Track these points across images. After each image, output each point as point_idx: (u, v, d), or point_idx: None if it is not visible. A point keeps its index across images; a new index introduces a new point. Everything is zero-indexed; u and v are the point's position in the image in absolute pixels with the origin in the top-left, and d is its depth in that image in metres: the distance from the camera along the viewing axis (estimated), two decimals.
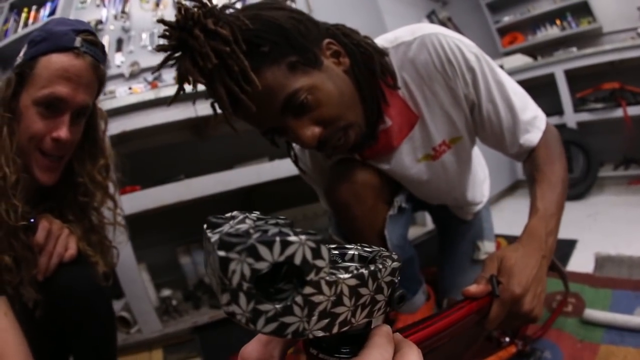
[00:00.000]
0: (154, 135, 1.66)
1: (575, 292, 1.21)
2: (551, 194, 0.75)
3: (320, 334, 0.27)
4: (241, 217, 0.30)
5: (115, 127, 1.42)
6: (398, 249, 1.00)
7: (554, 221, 0.73)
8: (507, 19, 2.69)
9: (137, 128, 1.45)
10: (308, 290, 0.25)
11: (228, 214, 0.30)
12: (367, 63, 0.74)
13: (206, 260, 0.28)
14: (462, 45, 0.76)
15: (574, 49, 2.36)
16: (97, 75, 0.76)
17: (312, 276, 0.25)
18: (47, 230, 0.75)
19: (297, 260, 0.24)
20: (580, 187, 2.23)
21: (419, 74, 0.78)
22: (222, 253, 0.23)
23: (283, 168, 1.56)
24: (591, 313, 1.06)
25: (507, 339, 0.88)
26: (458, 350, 0.90)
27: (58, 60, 0.70)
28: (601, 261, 1.37)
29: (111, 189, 0.90)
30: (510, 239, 1.78)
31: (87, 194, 0.83)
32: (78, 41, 0.72)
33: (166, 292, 1.64)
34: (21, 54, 0.73)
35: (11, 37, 1.71)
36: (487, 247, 1.18)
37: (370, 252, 0.33)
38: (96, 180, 0.83)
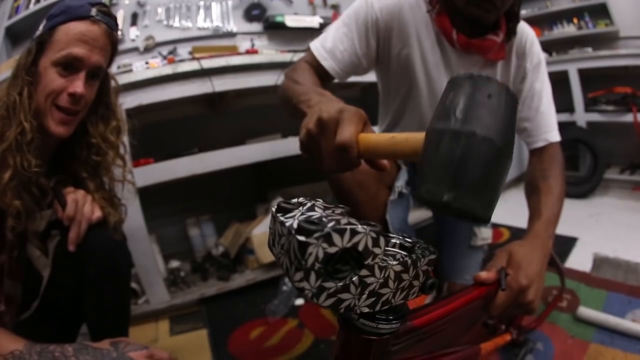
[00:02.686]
0: (168, 108, 1.67)
1: (571, 288, 1.25)
2: (554, 205, 0.86)
3: (366, 310, 0.33)
4: (309, 204, 0.34)
5: (131, 100, 1.43)
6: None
7: (552, 228, 0.84)
8: (525, 12, 2.66)
9: (153, 102, 1.46)
10: (364, 272, 0.30)
11: (295, 200, 0.35)
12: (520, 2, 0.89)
13: (273, 240, 0.32)
14: (538, 42, 0.99)
15: (589, 49, 2.36)
16: (111, 40, 0.82)
17: (369, 261, 0.30)
18: (75, 202, 0.81)
19: (361, 247, 0.29)
20: (585, 186, 2.25)
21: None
22: (301, 238, 0.27)
23: (296, 145, 1.57)
24: (585, 311, 1.10)
25: (503, 327, 0.92)
26: (457, 334, 0.94)
27: (76, 27, 0.76)
28: (599, 262, 1.41)
29: (121, 149, 0.95)
30: (513, 230, 1.82)
31: (100, 154, 0.88)
32: (94, 11, 0.78)
33: (174, 264, 1.67)
34: (40, 27, 0.79)
35: (23, 13, 1.70)
36: (484, 233, 1.22)
37: (410, 242, 0.38)
38: (108, 140, 0.89)
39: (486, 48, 0.92)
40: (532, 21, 2.62)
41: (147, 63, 1.58)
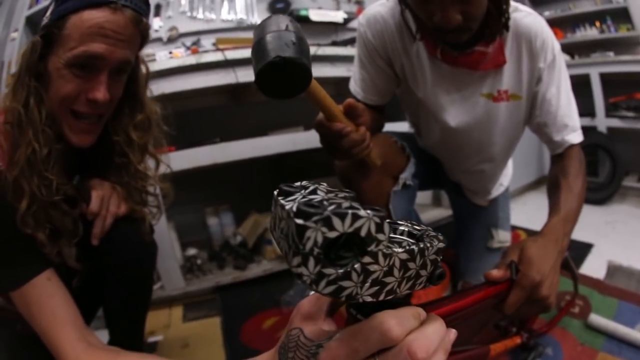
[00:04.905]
0: (191, 98, 1.69)
1: (584, 295, 1.24)
2: (573, 203, 0.84)
3: (369, 299, 0.31)
4: (312, 187, 0.32)
5: (154, 89, 1.44)
6: None
7: (570, 226, 0.82)
8: (547, 13, 2.63)
9: (176, 91, 1.49)
10: (366, 259, 0.28)
11: (298, 183, 0.33)
12: None
13: (274, 224, 0.31)
14: (552, 34, 0.93)
15: (611, 54, 2.32)
16: (140, 30, 0.67)
17: (372, 247, 0.28)
18: (100, 198, 0.73)
19: (363, 232, 0.27)
20: (603, 192, 2.22)
21: (517, 32, 0.90)
22: (299, 221, 0.25)
23: (317, 138, 1.58)
24: (596, 318, 1.09)
25: (514, 330, 0.92)
26: (468, 334, 0.95)
27: (91, 16, 0.61)
28: (613, 270, 1.39)
29: (151, 147, 0.84)
30: (531, 233, 1.81)
31: (124, 154, 0.77)
32: None
33: (192, 251, 1.69)
34: (47, 13, 0.64)
35: (43, 3, 1.69)
36: (502, 236, 1.23)
37: (419, 230, 0.36)
38: (131, 138, 0.77)
39: (475, 62, 0.90)
40: (555, 23, 2.60)
41: (170, 53, 1.61)
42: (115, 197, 0.76)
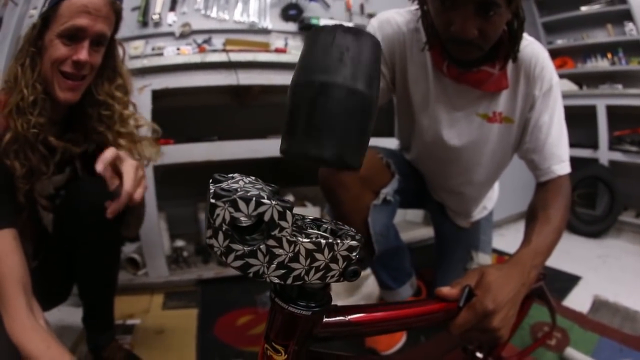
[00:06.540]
0: (195, 94, 1.73)
1: (563, 327, 1.22)
2: (547, 235, 0.81)
3: (276, 280, 0.35)
4: (238, 178, 0.37)
5: (159, 82, 1.50)
6: (381, 238, 1.06)
7: (540, 259, 0.78)
8: (560, 42, 2.63)
9: (179, 87, 1.53)
10: (271, 242, 0.33)
11: (230, 175, 0.38)
12: (521, 24, 0.86)
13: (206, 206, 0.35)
14: (552, 65, 0.94)
15: (620, 86, 2.31)
16: (114, 9, 0.85)
17: (276, 232, 0.33)
18: (132, 179, 0.76)
19: (266, 217, 0.32)
20: (598, 225, 2.20)
21: (518, 58, 0.90)
22: (212, 200, 0.31)
23: None
24: (572, 353, 1.08)
25: (481, 355, 0.91)
26: (436, 355, 0.94)
27: (78, 0, 0.79)
28: (598, 304, 1.38)
29: (131, 108, 0.98)
30: None
31: (109, 108, 0.92)
32: None
33: (179, 243, 1.73)
34: (46, 3, 0.81)
35: None
36: (481, 258, 1.23)
37: (340, 228, 0.39)
38: (115, 96, 0.92)
39: (479, 81, 0.91)
40: (567, 52, 2.60)
41: (178, 49, 1.65)
42: (142, 177, 0.82)
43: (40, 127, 0.80)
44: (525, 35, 0.90)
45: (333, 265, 0.36)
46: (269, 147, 1.65)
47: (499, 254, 1.82)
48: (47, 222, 0.90)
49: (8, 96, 0.80)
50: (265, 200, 0.31)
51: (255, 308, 1.37)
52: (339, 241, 0.36)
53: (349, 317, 0.45)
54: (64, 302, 1.08)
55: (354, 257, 0.37)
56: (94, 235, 0.89)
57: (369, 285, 1.40)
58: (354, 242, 0.37)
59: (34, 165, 0.82)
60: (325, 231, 0.39)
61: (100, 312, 1.04)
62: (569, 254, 1.82)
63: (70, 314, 1.20)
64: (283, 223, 0.32)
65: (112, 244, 0.97)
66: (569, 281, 1.60)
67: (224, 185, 0.34)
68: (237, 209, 0.31)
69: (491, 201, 1.30)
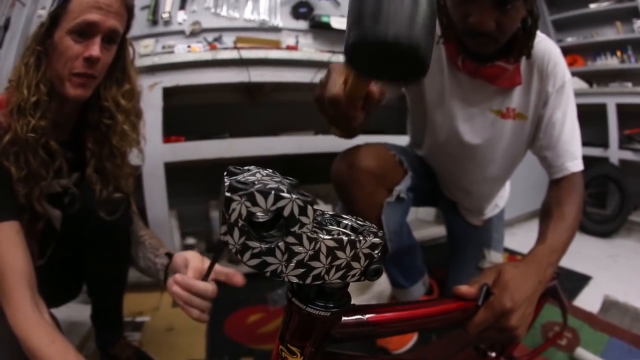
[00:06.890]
0: (206, 92, 1.73)
1: (573, 327, 1.22)
2: (563, 232, 0.81)
3: (295, 280, 0.33)
4: (254, 170, 0.35)
5: (169, 80, 1.50)
6: (394, 236, 1.06)
7: (556, 256, 0.78)
8: (570, 39, 2.61)
9: (190, 84, 1.53)
10: (290, 239, 0.31)
11: (246, 167, 0.36)
12: (535, 20, 0.86)
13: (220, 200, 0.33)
14: (565, 62, 0.94)
15: (629, 85, 2.29)
16: (126, 5, 0.83)
17: (296, 229, 0.30)
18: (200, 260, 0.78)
19: (286, 212, 0.29)
20: (609, 225, 2.19)
21: (531, 54, 0.90)
22: (228, 194, 0.29)
23: (326, 143, 1.61)
24: (583, 353, 1.07)
25: (494, 354, 0.91)
26: (447, 354, 0.94)
27: None
28: (608, 305, 1.37)
29: (140, 123, 0.96)
30: None
31: (112, 117, 0.88)
32: None
33: (190, 241, 1.73)
34: (55, 1, 0.79)
35: None
36: (493, 257, 1.22)
37: (361, 225, 0.37)
38: (120, 104, 0.89)
39: (494, 76, 0.91)
40: (577, 50, 2.58)
41: (189, 47, 1.65)
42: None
43: (41, 130, 0.77)
44: (537, 32, 0.90)
45: (355, 264, 0.34)
46: (281, 145, 1.65)
47: (511, 253, 1.82)
48: (55, 220, 0.87)
49: (11, 95, 0.78)
50: (285, 194, 0.29)
51: (265, 306, 1.37)
52: (361, 238, 0.33)
53: (367, 316, 0.44)
54: (74, 300, 1.08)
55: (376, 255, 0.35)
56: (104, 233, 0.89)
57: (380, 284, 1.40)
58: (376, 239, 0.34)
59: (34, 170, 0.78)
60: (345, 228, 0.37)
61: (109, 310, 1.04)
62: (580, 253, 1.80)
63: (78, 310, 1.20)
64: (304, 219, 0.30)
65: (122, 243, 0.96)
66: (580, 281, 1.59)
67: (240, 177, 0.31)
68: (255, 203, 0.29)
69: (503, 199, 1.30)
